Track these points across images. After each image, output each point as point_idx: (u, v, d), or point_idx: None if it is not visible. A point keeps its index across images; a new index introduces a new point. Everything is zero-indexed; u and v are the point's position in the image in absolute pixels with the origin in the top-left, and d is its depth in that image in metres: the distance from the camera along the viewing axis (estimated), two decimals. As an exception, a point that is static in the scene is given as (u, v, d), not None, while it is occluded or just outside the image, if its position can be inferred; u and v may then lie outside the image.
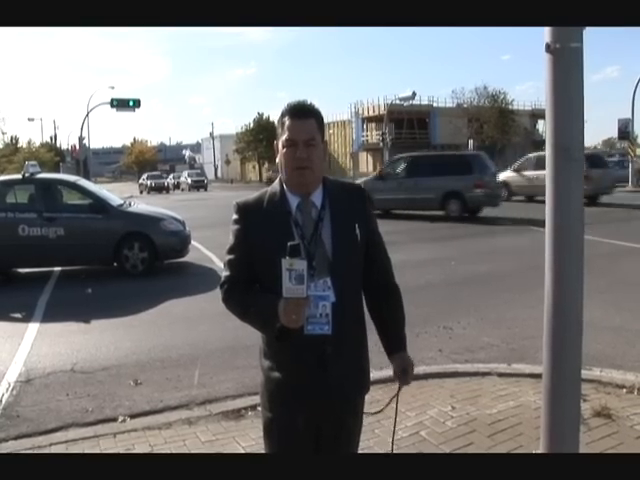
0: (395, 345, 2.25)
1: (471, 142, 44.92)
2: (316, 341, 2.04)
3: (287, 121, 2.07)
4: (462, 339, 6.13)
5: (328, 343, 2.05)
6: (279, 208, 2.11)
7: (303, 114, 2.08)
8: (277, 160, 2.14)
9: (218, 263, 10.53)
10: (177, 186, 55.42)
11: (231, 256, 2.19)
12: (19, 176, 10.88)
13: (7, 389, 5.05)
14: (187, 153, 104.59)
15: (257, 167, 68.06)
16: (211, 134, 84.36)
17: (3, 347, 6.31)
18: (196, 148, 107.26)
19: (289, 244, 1.90)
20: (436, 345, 5.92)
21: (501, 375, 4.94)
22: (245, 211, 2.17)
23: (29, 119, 68.79)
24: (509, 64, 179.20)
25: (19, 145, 60.90)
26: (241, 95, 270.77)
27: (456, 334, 6.31)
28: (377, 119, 55.29)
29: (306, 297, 1.91)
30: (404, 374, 2.21)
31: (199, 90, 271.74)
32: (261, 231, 2.10)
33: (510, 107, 55.15)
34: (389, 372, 4.86)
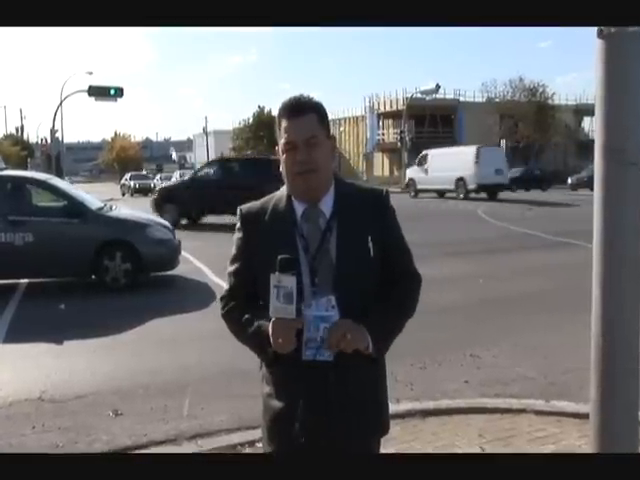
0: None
1: (503, 142, 45.05)
2: (316, 369, 2.04)
3: (283, 122, 2.11)
4: (492, 369, 6.11)
5: (330, 371, 2.05)
6: (283, 217, 2.14)
7: (300, 110, 2.10)
8: (280, 168, 2.17)
9: (211, 277, 10.56)
10: None
11: (232, 267, 2.24)
12: None
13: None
14: (174, 153, 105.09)
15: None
16: (204, 130, 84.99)
17: (-43, 371, 6.31)
18: (187, 145, 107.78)
19: (279, 257, 1.94)
20: (461, 375, 5.91)
21: (538, 413, 4.91)
22: (248, 219, 2.21)
23: None
24: (549, 52, 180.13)
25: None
26: (239, 86, 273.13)
27: (485, 363, 6.29)
28: (395, 115, 55.53)
29: (296, 318, 1.94)
30: (331, 334, 2.00)
31: (190, 79, 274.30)
32: (262, 242, 2.13)
33: (550, 102, 55.34)
34: (408, 405, 4.94)
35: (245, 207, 2.25)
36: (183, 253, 11.42)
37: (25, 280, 10.73)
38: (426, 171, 32.70)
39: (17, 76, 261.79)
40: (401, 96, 54.48)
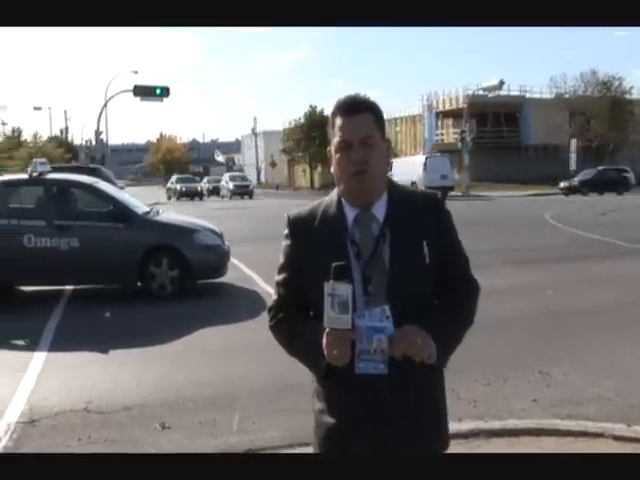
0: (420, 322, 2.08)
1: (574, 142, 44.22)
2: (370, 382, 2.04)
3: (338, 120, 2.13)
4: (563, 388, 5.98)
5: (384, 385, 2.05)
6: (334, 223, 2.16)
7: (356, 109, 2.12)
8: (332, 169, 2.18)
9: (262, 285, 10.64)
10: (213, 191, 55.88)
11: (280, 277, 2.27)
12: (25, 176, 11.28)
13: (6, 432, 5.18)
14: (220, 156, 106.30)
15: (308, 171, 68.60)
16: (253, 130, 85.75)
17: (2, 381, 6.50)
18: (235, 147, 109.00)
19: (333, 265, 1.95)
20: (529, 394, 5.79)
21: (618, 439, 4.76)
22: (296, 225, 2.23)
23: (35, 108, 70.47)
24: (625, 42, 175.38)
25: (22, 138, 62.88)
26: (289, 84, 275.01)
27: (555, 381, 6.16)
28: (455, 114, 55.11)
29: (351, 329, 1.94)
30: (398, 340, 2.00)
31: (238, 78, 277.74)
32: (312, 249, 2.15)
33: (627, 97, 53.93)
34: (471, 424, 4.88)
35: (293, 213, 2.27)
36: (232, 259, 11.55)
37: (70, 287, 11.02)
38: (391, 176, 36.99)
39: (62, 77, 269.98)
40: (461, 93, 53.98)
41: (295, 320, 2.21)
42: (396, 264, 2.09)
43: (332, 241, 2.13)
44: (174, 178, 56.21)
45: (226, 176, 58.45)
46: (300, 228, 2.22)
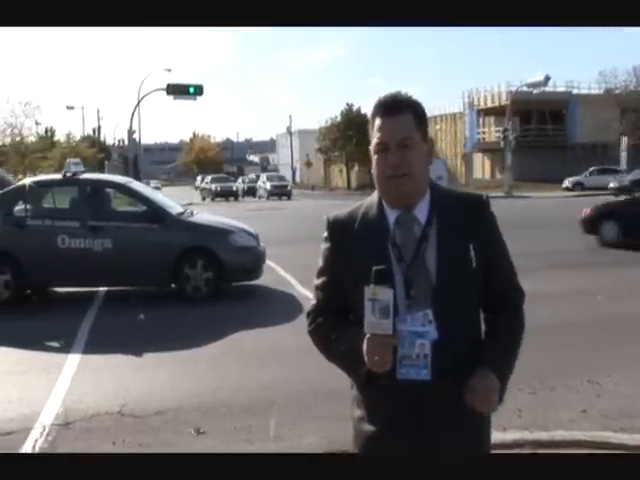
0: (481, 359, 2.12)
1: (624, 140, 43.40)
2: (411, 389, 2.05)
3: (377, 121, 2.12)
4: (614, 398, 5.87)
5: (427, 392, 2.05)
6: (374, 225, 2.15)
7: (395, 109, 2.10)
8: (372, 170, 2.18)
9: (298, 287, 10.70)
10: (249, 192, 55.97)
11: (319, 281, 2.27)
12: (59, 176, 11.49)
13: (41, 433, 5.28)
14: (252, 155, 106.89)
15: (345, 171, 68.63)
16: (288, 129, 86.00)
17: (37, 383, 6.64)
18: (270, 146, 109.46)
19: (374, 269, 1.95)
20: (578, 404, 5.70)
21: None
22: (336, 228, 2.24)
23: (68, 107, 70.21)
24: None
25: (55, 138, 63.78)
26: (326, 82, 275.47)
27: (605, 391, 6.06)
28: (497, 111, 54.57)
29: (392, 334, 1.94)
30: (472, 394, 2.04)
31: (273, 76, 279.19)
32: (352, 252, 2.15)
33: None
34: (516, 434, 4.82)
35: (332, 216, 2.27)
36: (268, 262, 11.60)
37: (103, 288, 11.19)
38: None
39: (94, 76, 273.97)
40: (504, 90, 53.46)
41: (334, 325, 2.21)
42: (440, 267, 2.09)
43: (373, 244, 2.13)
44: (209, 178, 56.49)
45: (263, 176, 58.44)
46: (340, 231, 2.22)
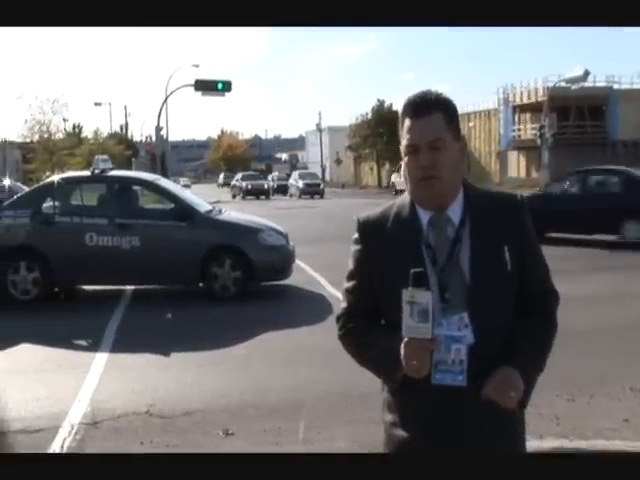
0: (508, 358, 2.09)
1: (667, 138, 42.71)
2: (447, 395, 2.04)
3: (406, 121, 2.11)
4: (658, 407, 5.79)
5: (463, 398, 2.04)
6: (407, 226, 2.15)
7: (424, 109, 2.09)
8: (401, 171, 2.20)
9: (328, 288, 10.73)
10: (279, 190, 55.83)
11: (350, 284, 2.27)
12: (87, 173, 11.70)
13: (69, 432, 5.36)
14: (283, 155, 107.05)
15: (375, 169, 68.58)
16: (318, 126, 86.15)
17: (65, 381, 6.74)
18: (299, 144, 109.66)
19: (412, 271, 1.95)
20: (620, 412, 5.62)
21: None
22: (367, 229, 2.23)
23: (96, 104, 69.57)
24: None
25: (83, 135, 64.42)
26: (356, 78, 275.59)
27: (649, 399, 5.98)
28: (533, 108, 54.02)
29: (432, 338, 1.94)
30: (488, 385, 2.02)
31: (303, 71, 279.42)
32: (385, 254, 2.15)
33: None
34: (554, 442, 4.77)
35: (363, 217, 2.27)
36: (297, 261, 11.65)
37: (131, 287, 11.32)
38: (400, 176, 45.82)
39: (122, 72, 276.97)
40: (541, 85, 52.86)
41: (366, 329, 2.21)
42: (475, 269, 2.08)
43: (406, 245, 2.12)
44: (239, 175, 56.56)
45: (295, 174, 58.15)
46: (371, 232, 2.22)
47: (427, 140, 2.06)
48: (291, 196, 53.09)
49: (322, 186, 53.19)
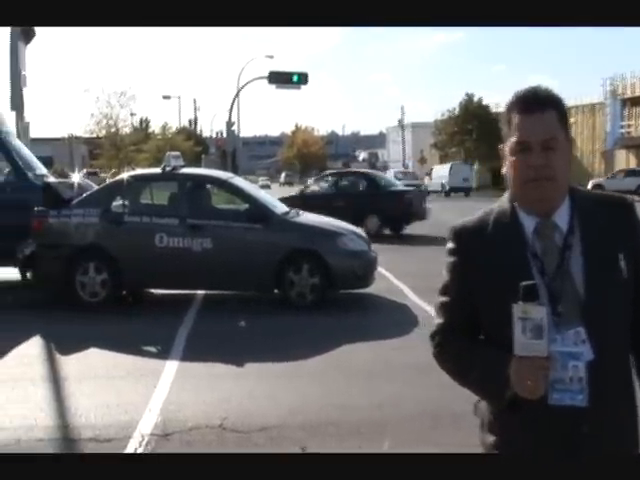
0: None
1: None
2: (565, 416, 2.02)
3: (515, 117, 2.10)
4: None
5: (583, 419, 2.02)
6: (510, 234, 2.14)
7: (538, 105, 2.08)
8: (504, 170, 2.18)
9: (413, 298, 10.72)
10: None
11: (445, 298, 2.28)
12: (157, 170, 11.96)
13: (140, 443, 5.52)
14: (362, 154, 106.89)
15: (463, 169, 67.83)
16: (400, 122, 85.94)
17: (135, 389, 6.94)
18: (379, 141, 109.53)
19: (522, 284, 1.94)
20: None
21: None
22: (464, 239, 2.23)
23: (164, 97, 69.94)
24: None
25: (150, 130, 65.70)
26: (442, 70, 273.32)
27: None
28: (646, 101, 52.54)
29: (547, 356, 1.93)
30: None
31: (383, 63, 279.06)
32: (487, 266, 2.15)
33: None
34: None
35: (459, 225, 2.27)
36: (379, 268, 11.63)
37: (201, 292, 11.52)
38: (431, 178, 58.78)
39: (192, 63, 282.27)
40: (655, 76, 51.49)
41: (466, 346, 2.21)
42: (589, 279, 2.06)
43: (510, 256, 2.11)
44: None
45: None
46: (469, 242, 2.22)
47: (541, 139, 2.05)
48: None
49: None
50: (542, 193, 2.07)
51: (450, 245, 2.25)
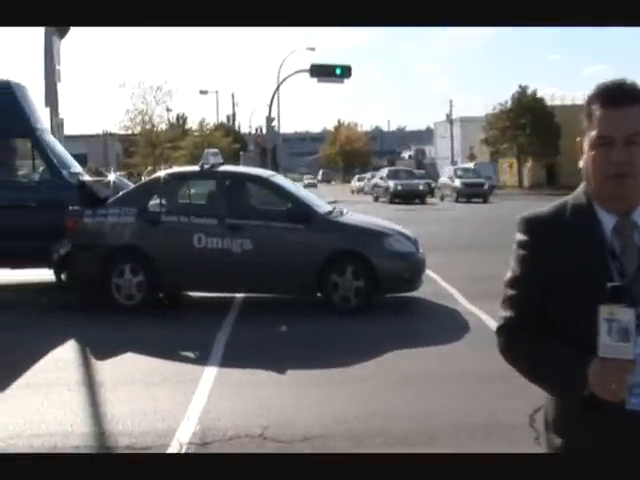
0: None
1: None
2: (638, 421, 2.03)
3: (597, 110, 2.10)
4: None
5: None
6: (587, 230, 2.15)
7: (623, 99, 2.08)
8: (580, 164, 2.19)
9: (463, 303, 10.66)
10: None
11: (514, 291, 2.27)
12: (195, 168, 12.03)
13: (178, 451, 5.56)
14: (406, 153, 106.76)
15: (515, 166, 67.34)
16: (448, 117, 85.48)
17: (173, 396, 6.97)
18: (426, 136, 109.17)
19: (609, 285, 1.95)
20: None
21: None
22: (537, 230, 2.23)
23: (201, 92, 69.89)
24: None
25: (187, 126, 66.13)
26: (492, 60, 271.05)
27: None
28: None
29: (633, 359, 1.94)
30: None
31: (430, 54, 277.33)
32: (560, 261, 2.15)
33: None
34: None
35: (530, 217, 2.27)
36: (427, 271, 11.57)
37: (241, 295, 11.57)
38: (452, 180, 49.66)
39: (230, 56, 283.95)
40: None
41: (537, 343, 2.22)
42: None
43: (589, 253, 2.12)
44: (385, 172, 48.96)
45: (449, 170, 52.74)
46: (543, 234, 2.22)
47: (626, 133, 2.06)
48: (443, 198, 48.35)
49: (487, 186, 46.80)
50: (623, 190, 2.09)
51: (521, 236, 2.26)
